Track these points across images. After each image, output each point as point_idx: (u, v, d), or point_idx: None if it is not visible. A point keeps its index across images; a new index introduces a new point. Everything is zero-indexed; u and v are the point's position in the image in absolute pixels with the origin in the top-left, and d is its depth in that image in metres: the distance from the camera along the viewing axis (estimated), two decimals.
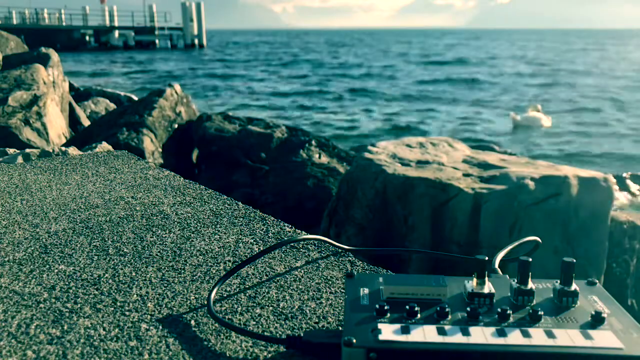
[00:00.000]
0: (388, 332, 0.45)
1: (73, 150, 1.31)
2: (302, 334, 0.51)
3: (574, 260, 0.50)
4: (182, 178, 1.09)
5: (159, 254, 0.72)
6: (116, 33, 42.62)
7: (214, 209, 0.90)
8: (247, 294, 0.61)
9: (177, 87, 6.22)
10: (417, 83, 19.94)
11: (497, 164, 3.79)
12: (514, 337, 0.44)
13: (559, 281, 0.51)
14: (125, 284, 0.63)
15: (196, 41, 43.22)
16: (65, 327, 0.54)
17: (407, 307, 0.47)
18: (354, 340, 0.43)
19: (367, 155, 3.98)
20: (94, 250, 0.73)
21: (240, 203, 0.94)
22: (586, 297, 0.51)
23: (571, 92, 17.81)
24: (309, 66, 28.08)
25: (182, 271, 0.67)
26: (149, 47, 42.57)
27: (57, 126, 4.68)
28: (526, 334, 0.44)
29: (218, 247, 0.75)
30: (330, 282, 0.64)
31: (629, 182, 7.57)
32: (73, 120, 6.00)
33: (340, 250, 0.74)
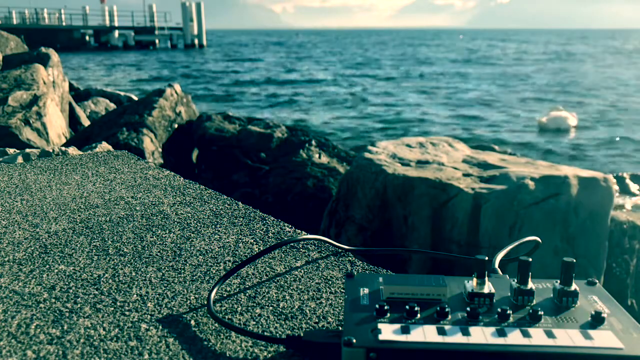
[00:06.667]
0: (388, 332, 0.45)
1: (73, 150, 1.31)
2: (302, 334, 0.51)
3: (574, 260, 0.50)
4: (182, 178, 1.09)
5: (159, 254, 0.72)
6: (116, 33, 42.62)
7: (214, 209, 0.90)
8: (247, 294, 0.61)
9: (177, 87, 6.22)
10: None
11: (497, 164, 3.79)
12: (514, 337, 0.44)
13: (559, 281, 0.51)
14: (125, 284, 0.63)
15: (196, 41, 43.23)
16: (65, 327, 0.54)
17: (407, 307, 0.47)
18: (354, 340, 0.43)
19: (367, 155, 3.98)
20: (94, 250, 0.73)
21: (240, 203, 0.94)
22: (586, 297, 0.51)
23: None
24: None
25: (182, 271, 0.67)
26: (148, 47, 42.58)
27: (57, 126, 4.68)
28: (526, 334, 0.44)
29: (218, 247, 0.75)
30: (330, 282, 0.64)
31: (628, 181, 7.55)
32: (73, 120, 6.00)
33: (340, 250, 0.74)
